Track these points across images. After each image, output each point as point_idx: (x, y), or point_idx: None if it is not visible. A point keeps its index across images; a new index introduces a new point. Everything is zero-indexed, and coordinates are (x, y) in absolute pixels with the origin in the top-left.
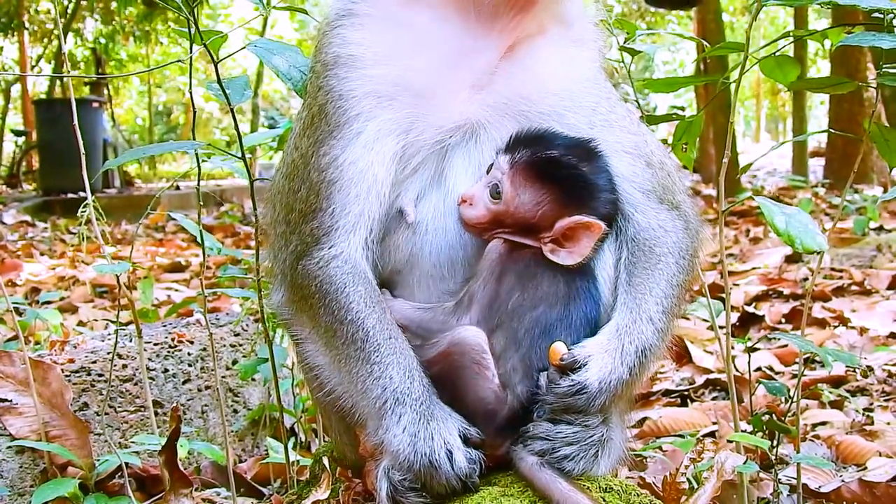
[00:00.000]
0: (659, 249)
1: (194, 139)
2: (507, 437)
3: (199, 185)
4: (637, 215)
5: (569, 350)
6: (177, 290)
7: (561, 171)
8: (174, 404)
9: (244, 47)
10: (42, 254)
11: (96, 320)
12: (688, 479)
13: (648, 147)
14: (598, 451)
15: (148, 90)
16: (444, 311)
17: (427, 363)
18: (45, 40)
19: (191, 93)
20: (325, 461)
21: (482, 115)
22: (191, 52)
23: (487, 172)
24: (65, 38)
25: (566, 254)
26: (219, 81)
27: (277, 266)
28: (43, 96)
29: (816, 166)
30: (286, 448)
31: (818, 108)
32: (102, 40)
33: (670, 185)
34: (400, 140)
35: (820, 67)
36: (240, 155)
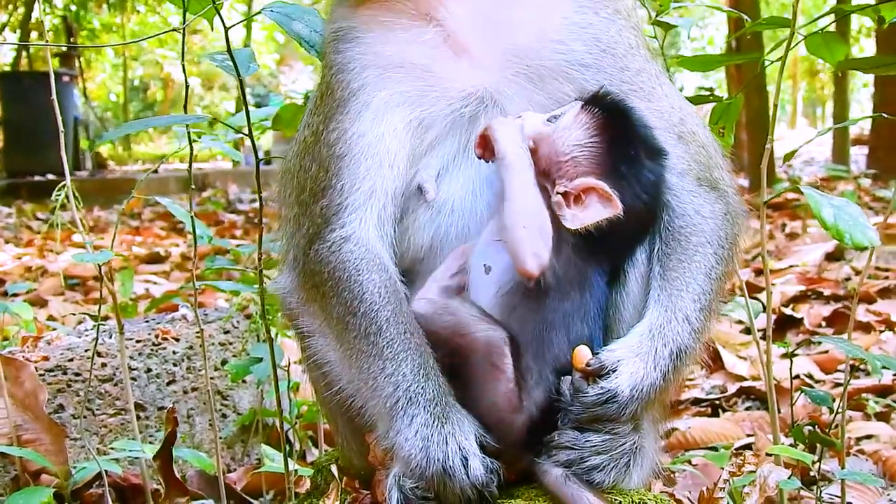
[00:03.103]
0: (696, 239)
1: (185, 113)
2: (527, 450)
3: (191, 164)
4: (672, 201)
5: (595, 354)
6: (156, 283)
7: (624, 131)
8: (170, 406)
9: (259, 12)
10: (7, 241)
11: (72, 314)
12: (727, 493)
13: (678, 114)
14: (629, 461)
15: (123, 63)
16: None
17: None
18: (10, 7)
19: (183, 64)
20: (334, 470)
21: (493, 80)
22: (184, 19)
23: None
24: (33, 4)
25: (570, 214)
26: (228, 50)
27: (290, 251)
28: (7, 69)
29: (858, 155)
30: (285, 456)
31: (860, 92)
32: (73, 7)
33: (705, 160)
34: (411, 111)
35: (863, 46)
36: (246, 132)
